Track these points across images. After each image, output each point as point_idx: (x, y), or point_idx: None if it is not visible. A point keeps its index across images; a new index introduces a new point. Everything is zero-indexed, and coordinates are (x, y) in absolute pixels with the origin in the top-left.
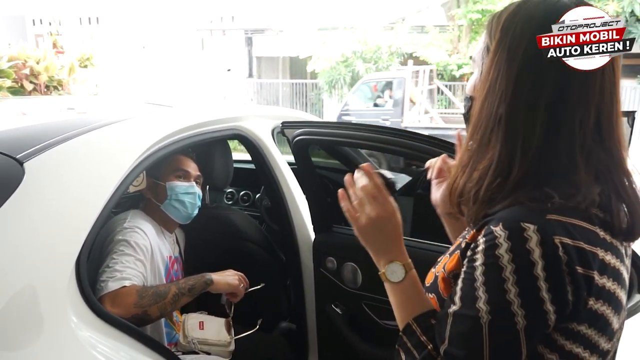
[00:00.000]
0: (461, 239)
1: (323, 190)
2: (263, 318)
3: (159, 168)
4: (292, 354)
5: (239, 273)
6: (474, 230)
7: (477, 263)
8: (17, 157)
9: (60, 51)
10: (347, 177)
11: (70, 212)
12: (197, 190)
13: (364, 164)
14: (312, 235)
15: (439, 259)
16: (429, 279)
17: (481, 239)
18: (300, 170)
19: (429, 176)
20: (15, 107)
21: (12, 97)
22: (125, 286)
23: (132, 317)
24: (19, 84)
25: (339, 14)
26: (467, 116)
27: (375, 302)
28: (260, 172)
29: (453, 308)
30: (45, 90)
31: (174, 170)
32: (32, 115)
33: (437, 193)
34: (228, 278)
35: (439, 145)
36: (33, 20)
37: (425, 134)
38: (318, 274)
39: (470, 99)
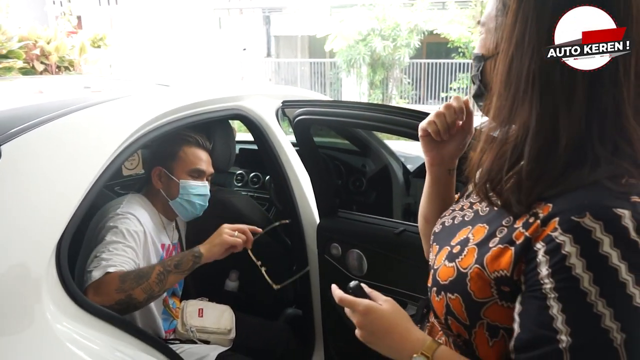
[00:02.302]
0: (488, 225)
1: (328, 173)
2: (268, 305)
3: (174, 161)
4: (296, 342)
5: (229, 226)
6: (537, 222)
7: (578, 271)
8: None
9: (73, 31)
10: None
11: (50, 197)
12: (208, 190)
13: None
14: (318, 220)
15: (453, 249)
16: (445, 275)
17: (563, 237)
18: (303, 151)
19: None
20: (33, 85)
21: (22, 77)
22: (108, 272)
23: (117, 304)
24: (30, 65)
25: None
26: (479, 79)
27: (381, 291)
28: (263, 154)
29: (564, 341)
30: (57, 70)
31: (190, 170)
32: (49, 93)
33: (446, 147)
34: (214, 240)
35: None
36: (53, 1)
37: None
38: (322, 261)
39: (482, 58)
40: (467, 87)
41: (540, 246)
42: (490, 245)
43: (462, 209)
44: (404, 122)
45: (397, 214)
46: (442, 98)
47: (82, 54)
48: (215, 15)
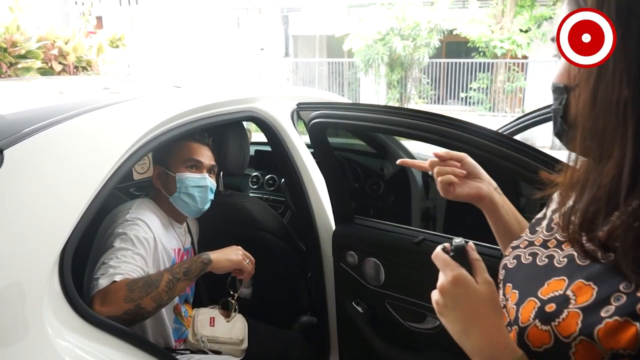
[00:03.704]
0: (595, 286)
1: (344, 178)
2: (282, 312)
3: (170, 156)
4: (311, 351)
5: (241, 248)
6: None
7: None
8: None
9: (93, 31)
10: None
11: (53, 204)
12: (210, 182)
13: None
14: (334, 224)
15: (546, 308)
16: (538, 340)
17: None
18: (318, 155)
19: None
20: (53, 86)
21: (41, 77)
22: (115, 281)
23: (125, 314)
24: (49, 65)
25: None
26: (562, 113)
27: (399, 302)
28: (278, 157)
29: None
30: (74, 70)
31: (185, 160)
32: (69, 94)
33: (471, 188)
34: (229, 255)
35: (470, 131)
36: (75, 1)
37: (456, 118)
38: (338, 269)
39: (564, 90)
40: (487, 87)
41: None
42: (603, 314)
43: (545, 246)
44: (423, 126)
45: (416, 218)
46: (462, 98)
47: (99, 54)
48: (233, 15)
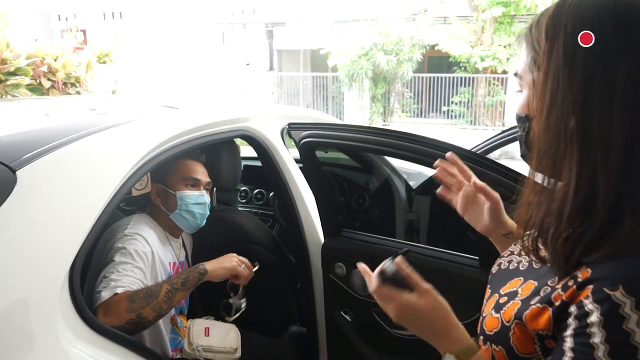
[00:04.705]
0: (537, 282)
1: (333, 194)
2: (273, 322)
3: (168, 175)
4: None
5: (235, 255)
6: (574, 287)
7: (596, 340)
8: (11, 164)
9: (80, 47)
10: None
11: (63, 222)
12: (207, 199)
13: (359, 265)
14: (322, 237)
15: (500, 300)
16: (490, 325)
17: (592, 305)
18: (308, 173)
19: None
20: (39, 107)
21: (31, 95)
22: (117, 293)
23: (128, 323)
24: (37, 82)
25: (359, 6)
26: (525, 139)
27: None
28: (268, 173)
29: None
30: (63, 87)
31: (184, 178)
32: (55, 115)
33: (483, 219)
34: (224, 263)
35: (446, 150)
36: (59, 16)
37: (436, 139)
38: (327, 280)
39: (525, 119)
40: (468, 101)
41: (573, 309)
42: (531, 302)
43: (520, 254)
44: (408, 147)
45: (400, 231)
46: (444, 112)
47: (88, 71)
48: (218, 30)
